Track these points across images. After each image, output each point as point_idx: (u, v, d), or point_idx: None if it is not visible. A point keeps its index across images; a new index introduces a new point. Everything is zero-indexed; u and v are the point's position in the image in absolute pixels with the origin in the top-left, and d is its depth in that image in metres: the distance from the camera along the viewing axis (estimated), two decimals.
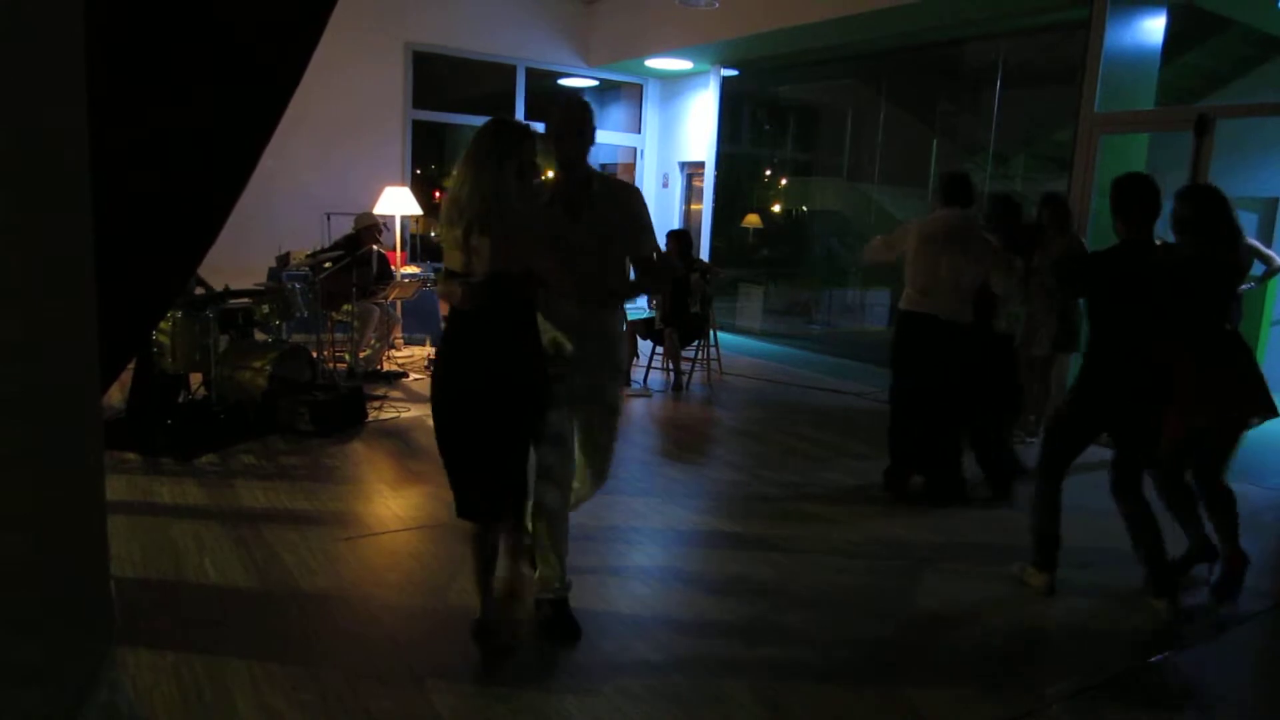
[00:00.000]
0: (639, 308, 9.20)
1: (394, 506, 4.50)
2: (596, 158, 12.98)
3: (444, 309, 2.97)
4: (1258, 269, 7.66)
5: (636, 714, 2.76)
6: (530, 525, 3.27)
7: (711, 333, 8.18)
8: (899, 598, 3.73)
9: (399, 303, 8.09)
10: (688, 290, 7.67)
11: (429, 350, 8.80)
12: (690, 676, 2.99)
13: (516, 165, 2.84)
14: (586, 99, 3.41)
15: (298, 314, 6.44)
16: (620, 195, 3.30)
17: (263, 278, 7.80)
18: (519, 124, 2.96)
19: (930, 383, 4.84)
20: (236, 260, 6.83)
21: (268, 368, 5.81)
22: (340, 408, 5.87)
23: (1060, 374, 6.24)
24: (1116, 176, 3.62)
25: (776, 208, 12.47)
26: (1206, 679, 3.25)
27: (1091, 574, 3.99)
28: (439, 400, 2.97)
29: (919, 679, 3.07)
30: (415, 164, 10.89)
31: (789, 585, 3.79)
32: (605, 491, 4.91)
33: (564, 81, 12.30)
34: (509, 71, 11.39)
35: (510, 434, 2.96)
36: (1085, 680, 3.09)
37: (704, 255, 11.12)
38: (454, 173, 2.92)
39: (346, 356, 7.43)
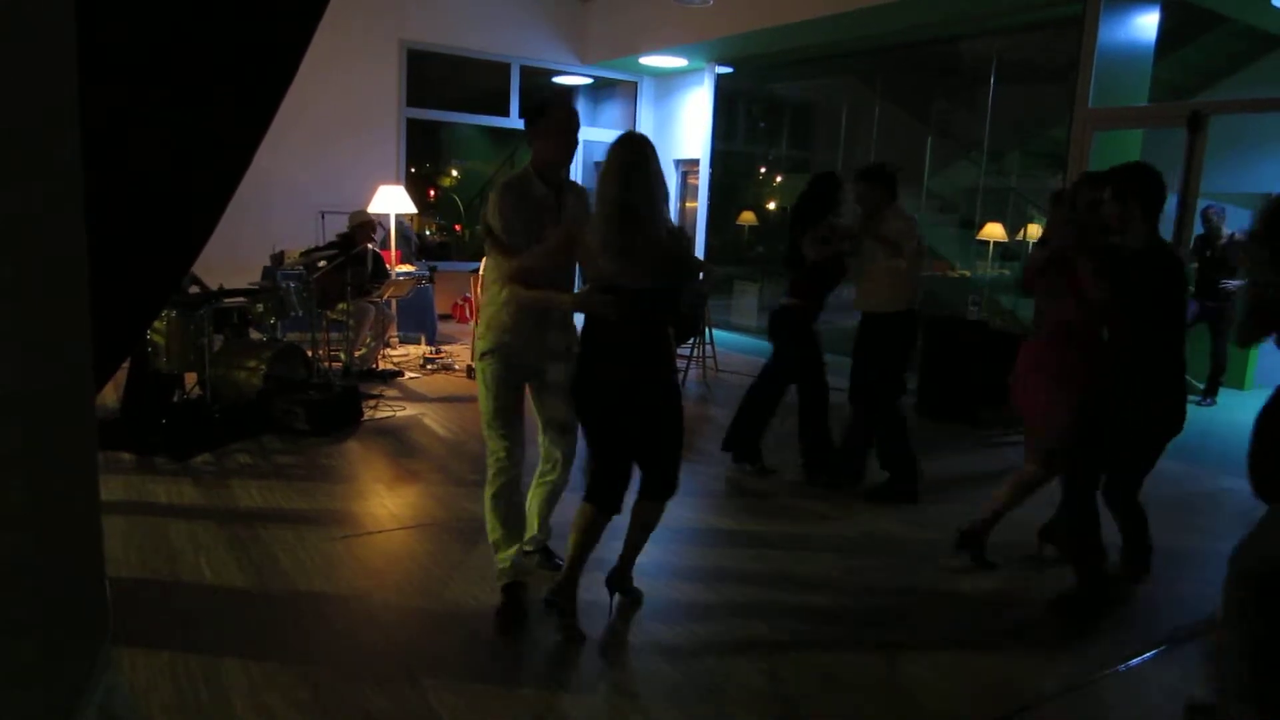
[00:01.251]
0: None
1: (390, 505, 4.49)
2: (590, 155, 13.01)
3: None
4: None
5: (633, 711, 2.76)
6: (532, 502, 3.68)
7: (707, 330, 8.17)
8: (899, 596, 3.74)
9: (394, 301, 8.08)
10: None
11: (424, 349, 8.80)
12: (687, 673, 3.00)
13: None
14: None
15: (292, 313, 6.43)
16: (584, 198, 3.46)
17: (257, 277, 7.79)
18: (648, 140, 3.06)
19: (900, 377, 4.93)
20: (231, 259, 6.82)
21: (263, 367, 5.80)
22: (335, 407, 5.86)
23: None
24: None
25: (772, 205, 12.47)
26: (1200, 675, 3.26)
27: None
28: (602, 405, 3.12)
29: (922, 679, 3.07)
30: (410, 162, 10.88)
31: (785, 582, 3.79)
32: None
33: (559, 79, 12.30)
34: (504, 70, 11.38)
35: (658, 438, 3.22)
36: (1085, 677, 3.10)
37: (700, 254, 11.12)
38: (601, 180, 2.98)
39: (341, 355, 7.42)
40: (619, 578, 3.49)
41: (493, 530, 3.44)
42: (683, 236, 3.15)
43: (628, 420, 3.12)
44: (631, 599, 3.55)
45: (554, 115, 3.26)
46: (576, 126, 3.32)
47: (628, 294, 2.93)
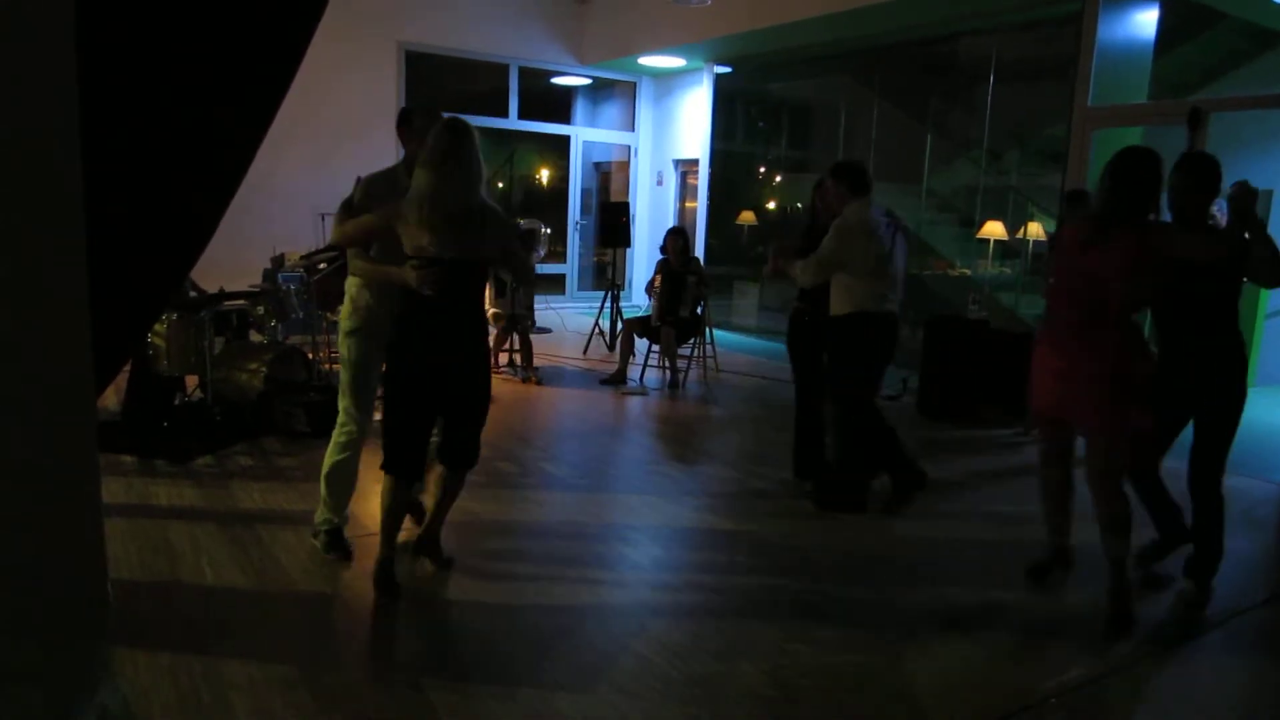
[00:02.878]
0: (635, 306, 9.17)
1: None
2: (590, 156, 13.02)
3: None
4: None
5: (633, 711, 2.76)
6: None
7: (707, 330, 8.18)
8: (901, 596, 3.73)
9: None
10: (684, 288, 7.67)
11: None
12: (687, 673, 3.00)
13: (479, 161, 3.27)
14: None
15: (293, 315, 6.43)
16: None
17: (257, 279, 7.78)
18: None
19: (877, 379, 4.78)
20: (231, 261, 6.83)
21: (263, 369, 5.80)
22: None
23: None
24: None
25: (771, 205, 12.47)
26: (1203, 673, 3.26)
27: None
28: (401, 373, 3.35)
29: (924, 679, 3.07)
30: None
31: (786, 582, 3.79)
32: (602, 490, 4.93)
33: (557, 80, 12.31)
34: (502, 71, 11.39)
35: (461, 408, 3.46)
36: (1087, 677, 3.10)
37: (699, 253, 11.12)
38: (423, 163, 3.25)
39: None
40: (428, 543, 3.71)
41: (331, 496, 3.80)
42: (495, 213, 3.37)
43: (435, 387, 3.34)
44: (441, 565, 3.71)
45: (417, 120, 3.62)
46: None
47: (440, 264, 3.20)
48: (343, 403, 3.77)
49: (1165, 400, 3.64)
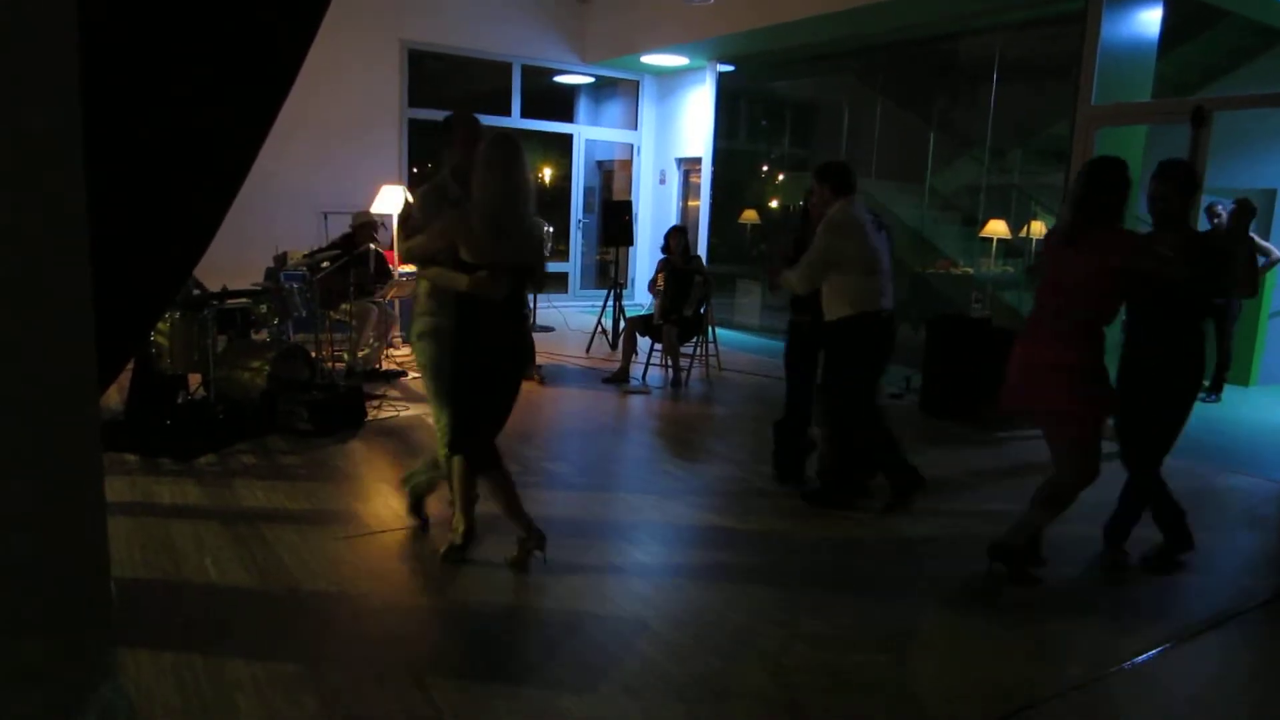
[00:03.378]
0: (637, 304, 9.18)
1: (393, 505, 4.49)
2: (593, 154, 13.01)
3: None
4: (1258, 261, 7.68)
5: (636, 710, 2.76)
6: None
7: (710, 329, 8.18)
8: (903, 595, 3.73)
9: (397, 301, 8.09)
10: (691, 287, 7.67)
11: None
12: (691, 672, 3.00)
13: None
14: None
15: (295, 314, 6.43)
16: None
17: (260, 277, 7.80)
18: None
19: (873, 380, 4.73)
20: (234, 260, 6.84)
21: (266, 368, 5.81)
22: (339, 407, 5.87)
23: None
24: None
25: (774, 203, 12.46)
26: (1205, 672, 3.26)
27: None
28: (472, 368, 3.56)
29: (927, 677, 3.07)
30: (412, 162, 10.89)
31: (789, 581, 3.79)
32: (605, 489, 4.93)
33: (560, 78, 12.30)
34: (505, 69, 11.38)
35: (514, 399, 3.70)
36: (1089, 675, 3.09)
37: (701, 251, 11.12)
38: (486, 177, 3.43)
39: (345, 356, 7.42)
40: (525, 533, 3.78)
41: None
42: (538, 222, 3.64)
43: (500, 380, 3.62)
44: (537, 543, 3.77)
45: (459, 130, 3.86)
46: (479, 135, 3.79)
47: (504, 269, 3.44)
48: (437, 411, 3.89)
49: (1133, 395, 3.87)
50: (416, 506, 4.18)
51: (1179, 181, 3.79)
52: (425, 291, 3.77)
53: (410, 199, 3.82)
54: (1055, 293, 3.65)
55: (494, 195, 3.40)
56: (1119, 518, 4.10)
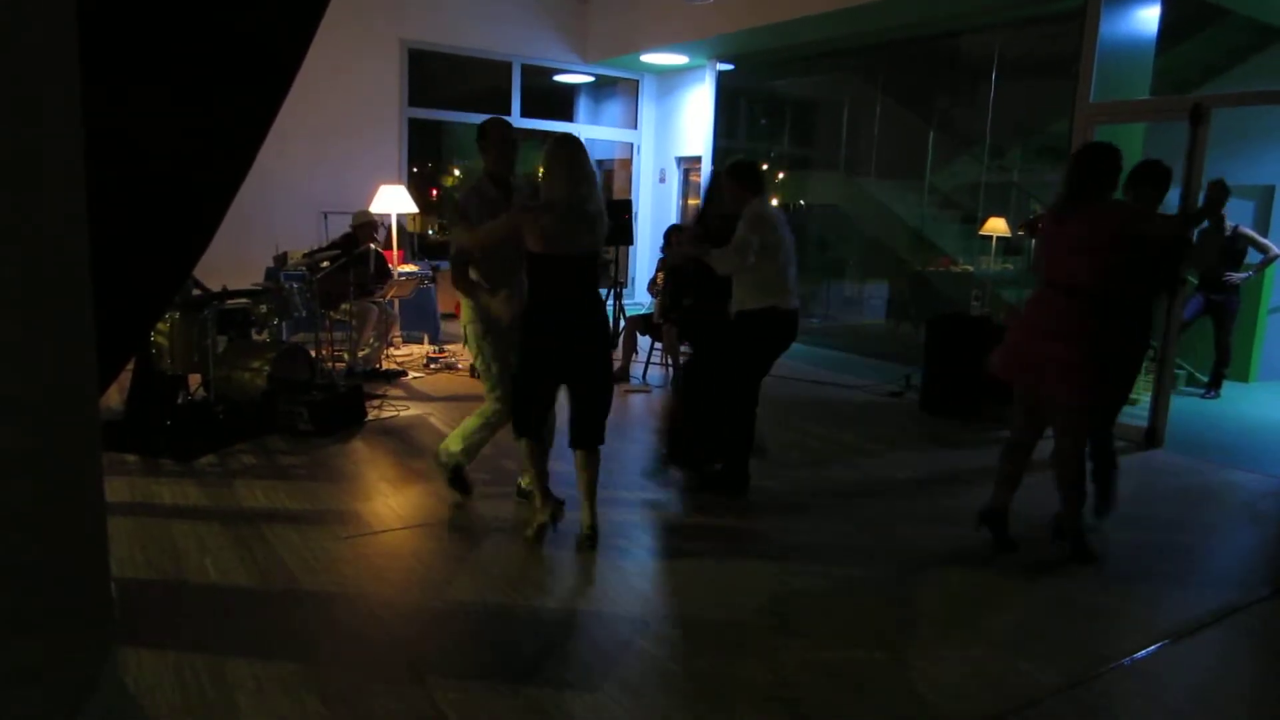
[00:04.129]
0: (637, 303, 9.17)
1: (394, 505, 4.50)
2: (593, 153, 12.95)
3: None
4: (1254, 257, 7.68)
5: (638, 709, 2.76)
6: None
7: None
8: (903, 592, 3.74)
9: (397, 301, 8.09)
10: (687, 284, 7.65)
11: (427, 348, 8.80)
12: (692, 671, 3.00)
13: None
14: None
15: (296, 314, 6.43)
16: (523, 193, 4.25)
17: (260, 277, 7.79)
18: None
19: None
20: (234, 260, 6.85)
21: (266, 368, 5.81)
22: (339, 407, 5.87)
23: None
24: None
25: (774, 202, 12.45)
26: (1204, 668, 3.26)
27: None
28: (535, 357, 3.86)
29: (926, 674, 3.07)
30: (412, 162, 10.89)
31: (788, 578, 3.79)
32: (605, 487, 4.92)
33: (560, 78, 12.30)
34: (505, 68, 11.38)
35: (589, 387, 3.97)
36: (1089, 672, 3.10)
37: None
38: (556, 173, 3.74)
39: (345, 356, 7.43)
40: (591, 526, 4.03)
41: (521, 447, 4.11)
42: (604, 214, 3.90)
43: (565, 366, 3.86)
44: (592, 539, 4.01)
45: (492, 135, 4.14)
46: (513, 139, 4.19)
47: (573, 259, 3.76)
48: (491, 390, 4.26)
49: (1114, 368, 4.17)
50: (457, 479, 4.49)
51: (1155, 180, 4.33)
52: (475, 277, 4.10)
53: (454, 207, 4.15)
54: (1057, 268, 3.89)
55: (563, 189, 3.69)
56: (1103, 489, 4.52)
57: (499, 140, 4.14)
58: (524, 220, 3.74)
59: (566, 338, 3.80)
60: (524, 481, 4.45)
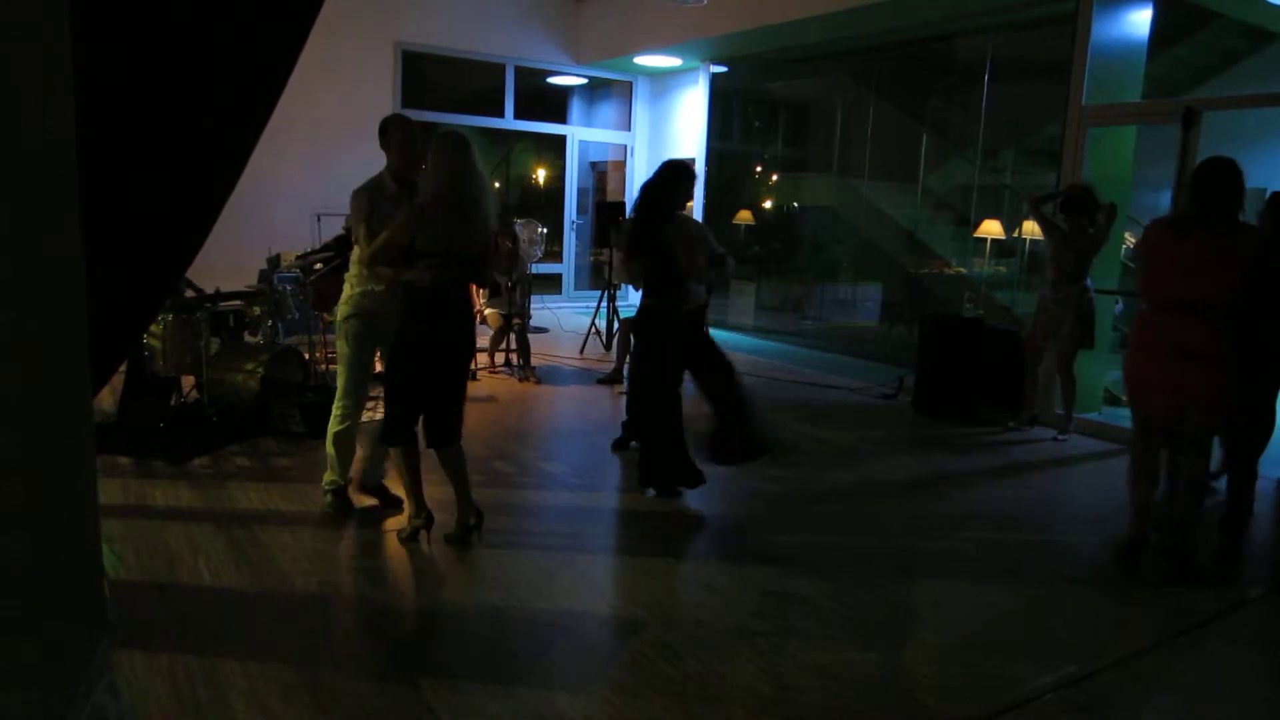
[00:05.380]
0: (631, 305, 9.14)
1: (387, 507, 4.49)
2: (586, 155, 13.01)
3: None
4: None
5: (631, 709, 2.77)
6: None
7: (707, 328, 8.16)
8: (898, 593, 3.74)
9: None
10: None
11: None
12: (686, 671, 3.00)
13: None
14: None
15: (289, 315, 6.42)
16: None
17: (253, 279, 7.77)
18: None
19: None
20: (227, 262, 6.82)
21: (259, 370, 5.79)
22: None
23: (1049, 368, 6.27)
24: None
25: (768, 204, 12.48)
26: (1203, 667, 3.27)
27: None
28: (417, 356, 3.74)
29: (921, 675, 3.08)
30: None
31: (784, 580, 3.80)
32: (600, 488, 4.94)
33: (553, 79, 12.31)
34: (499, 70, 11.38)
35: (454, 386, 3.90)
36: (1085, 671, 3.11)
37: None
38: (444, 172, 3.66)
39: None
40: (462, 521, 3.96)
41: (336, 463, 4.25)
42: (489, 218, 3.83)
43: (437, 368, 3.78)
44: (477, 526, 3.98)
45: (393, 134, 4.06)
46: (414, 137, 4.06)
47: (457, 259, 3.66)
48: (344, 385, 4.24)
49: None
50: (380, 492, 4.43)
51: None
52: (361, 287, 4.11)
53: (352, 204, 4.11)
54: (1181, 284, 3.77)
55: (445, 184, 3.62)
56: (1233, 510, 4.47)
57: (400, 140, 4.06)
58: (412, 215, 3.66)
59: (446, 340, 3.77)
60: (329, 478, 4.32)
